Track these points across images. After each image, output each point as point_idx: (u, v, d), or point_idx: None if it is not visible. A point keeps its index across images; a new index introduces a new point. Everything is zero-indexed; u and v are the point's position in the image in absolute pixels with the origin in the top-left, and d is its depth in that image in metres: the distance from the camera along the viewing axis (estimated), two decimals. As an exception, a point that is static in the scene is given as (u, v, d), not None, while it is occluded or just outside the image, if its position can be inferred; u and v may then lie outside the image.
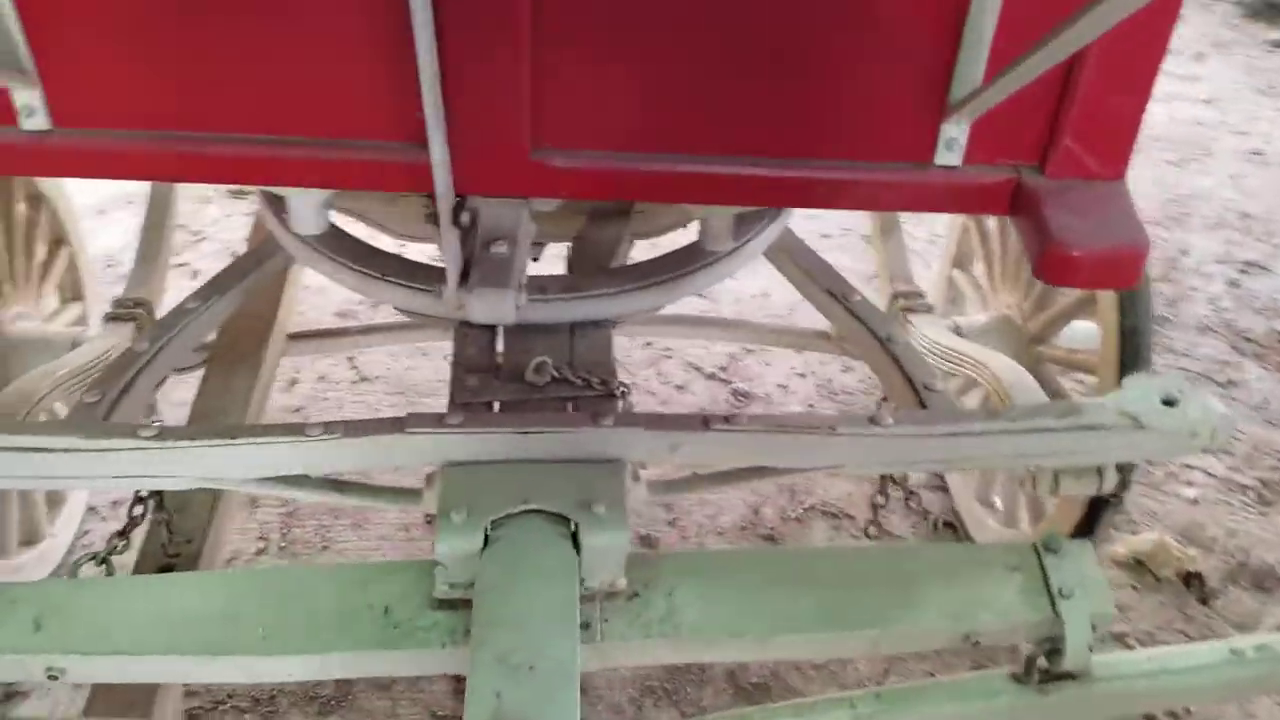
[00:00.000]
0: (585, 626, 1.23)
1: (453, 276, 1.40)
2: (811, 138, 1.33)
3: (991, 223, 2.16)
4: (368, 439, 1.26)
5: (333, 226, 1.58)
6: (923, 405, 1.44)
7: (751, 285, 3.03)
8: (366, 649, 1.22)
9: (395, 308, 1.58)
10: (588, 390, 1.40)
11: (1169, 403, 1.33)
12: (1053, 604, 1.27)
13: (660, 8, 1.25)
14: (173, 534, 1.51)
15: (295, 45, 1.28)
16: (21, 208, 2.04)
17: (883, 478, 1.54)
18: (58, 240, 2.18)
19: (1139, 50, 1.24)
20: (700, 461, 1.36)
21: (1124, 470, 1.67)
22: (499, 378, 1.42)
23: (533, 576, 1.18)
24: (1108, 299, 1.77)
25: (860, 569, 1.30)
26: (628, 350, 2.74)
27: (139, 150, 1.35)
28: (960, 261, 2.32)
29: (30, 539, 2.08)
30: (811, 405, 2.68)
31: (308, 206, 1.53)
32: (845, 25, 1.26)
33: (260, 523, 2.31)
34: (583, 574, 1.23)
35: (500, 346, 1.47)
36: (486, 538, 1.22)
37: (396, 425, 1.27)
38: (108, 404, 1.36)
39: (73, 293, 2.28)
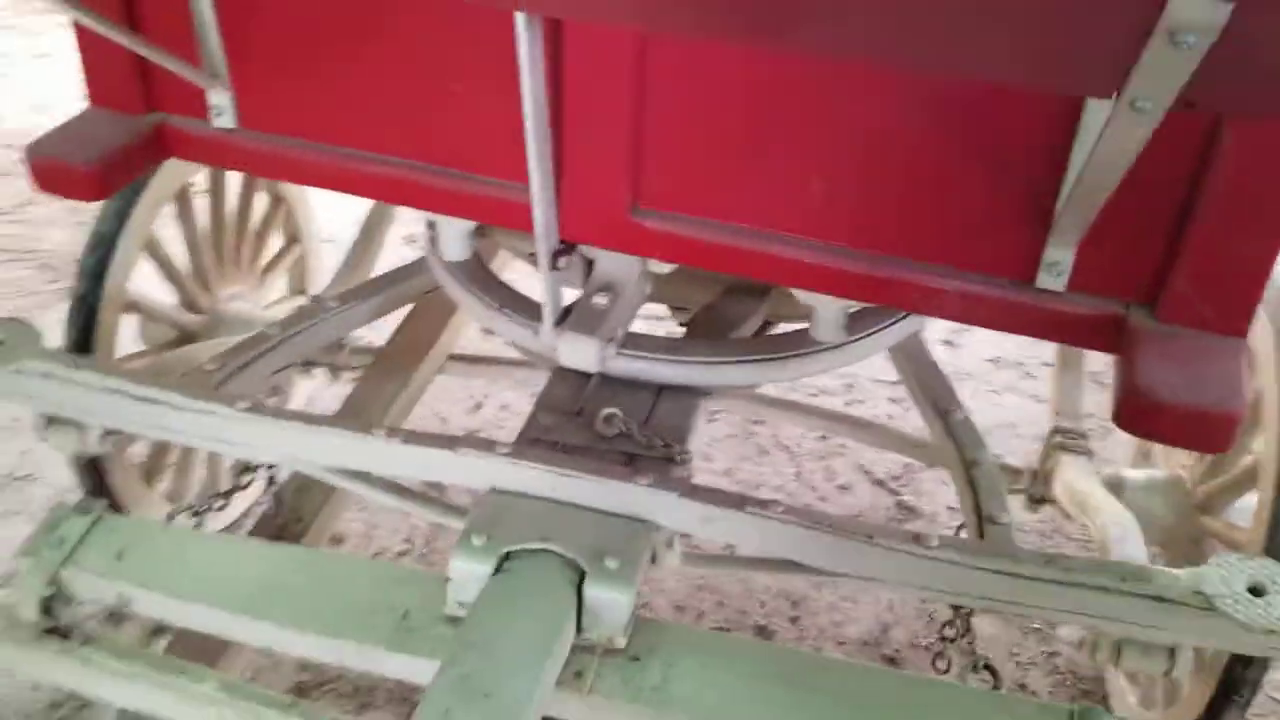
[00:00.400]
0: (578, 675, 1.24)
1: (548, 317, 1.46)
2: (912, 238, 1.30)
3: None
4: (422, 449, 1.34)
5: (475, 256, 1.69)
6: (981, 536, 1.35)
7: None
8: (376, 646, 1.28)
9: (503, 340, 1.66)
10: (649, 450, 1.41)
11: (1255, 591, 1.18)
12: (1065, 780, 1.15)
13: (765, 91, 1.27)
14: (282, 507, 1.64)
15: (444, 84, 1.39)
16: (264, 203, 2.30)
17: (954, 610, 1.45)
18: (292, 238, 2.43)
19: (1269, 196, 1.13)
20: (730, 540, 1.34)
21: (1251, 669, 1.50)
22: (572, 423, 1.46)
23: (524, 611, 1.20)
24: (1270, 474, 1.59)
25: (869, 689, 1.23)
26: (798, 440, 2.70)
27: (305, 158, 1.51)
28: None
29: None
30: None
31: (453, 232, 1.65)
32: (958, 131, 1.23)
33: (411, 527, 2.45)
34: (584, 624, 1.24)
35: (587, 394, 1.51)
36: (500, 566, 1.25)
37: (450, 442, 1.34)
38: (222, 375, 1.52)
39: (299, 288, 2.52)
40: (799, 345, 1.54)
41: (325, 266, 2.46)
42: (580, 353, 1.45)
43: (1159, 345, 1.20)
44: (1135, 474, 1.90)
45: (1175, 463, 1.93)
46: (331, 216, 2.57)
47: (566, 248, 1.43)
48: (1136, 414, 1.15)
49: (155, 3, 1.46)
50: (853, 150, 1.27)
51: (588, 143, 1.34)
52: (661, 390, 1.52)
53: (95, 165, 1.46)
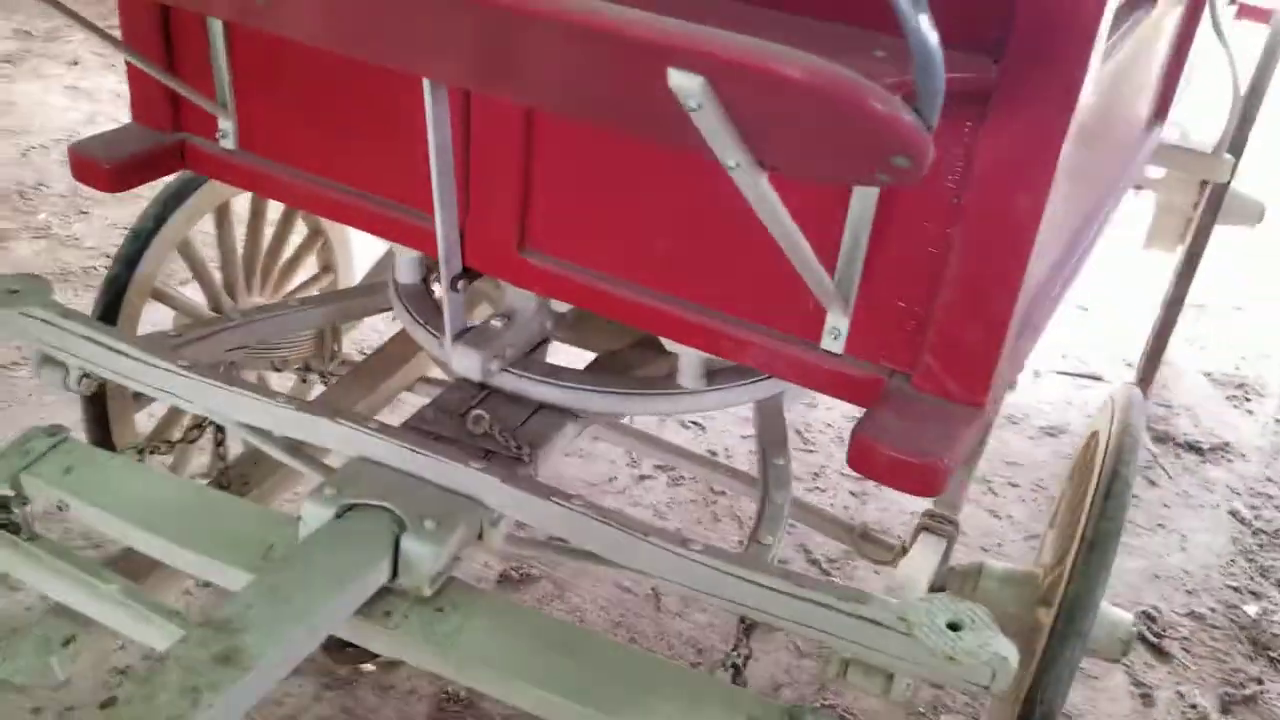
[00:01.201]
0: (387, 614, 1.49)
1: (449, 331, 1.74)
2: (730, 294, 1.54)
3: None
4: (306, 414, 1.62)
5: (423, 282, 1.99)
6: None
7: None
8: (238, 569, 1.55)
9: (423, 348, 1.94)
10: (505, 450, 1.67)
11: (954, 626, 1.35)
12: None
13: (615, 156, 1.54)
14: (226, 465, 1.95)
15: (383, 126, 1.71)
16: (300, 231, 2.66)
17: (740, 622, 1.62)
18: (326, 268, 2.79)
19: (994, 282, 1.34)
20: (542, 526, 1.58)
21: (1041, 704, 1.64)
22: (451, 420, 1.72)
23: (343, 547, 1.46)
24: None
25: (626, 664, 1.44)
26: (753, 512, 2.89)
27: (281, 179, 1.85)
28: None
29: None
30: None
31: (405, 257, 1.95)
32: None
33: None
34: (399, 572, 1.49)
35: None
36: (340, 514, 1.52)
37: (332, 412, 1.62)
38: (181, 341, 1.84)
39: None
40: (661, 386, 1.78)
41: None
42: (468, 364, 1.73)
43: (899, 404, 1.41)
44: (994, 565, 2.05)
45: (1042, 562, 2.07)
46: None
47: (467, 274, 1.71)
48: (858, 454, 1.36)
49: (185, 47, 1.83)
50: (680, 211, 1.52)
51: (487, 186, 1.63)
52: (540, 407, 1.78)
53: (115, 164, 1.83)
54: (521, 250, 1.66)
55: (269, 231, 2.51)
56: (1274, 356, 3.67)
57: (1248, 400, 3.43)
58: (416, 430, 1.69)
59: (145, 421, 2.41)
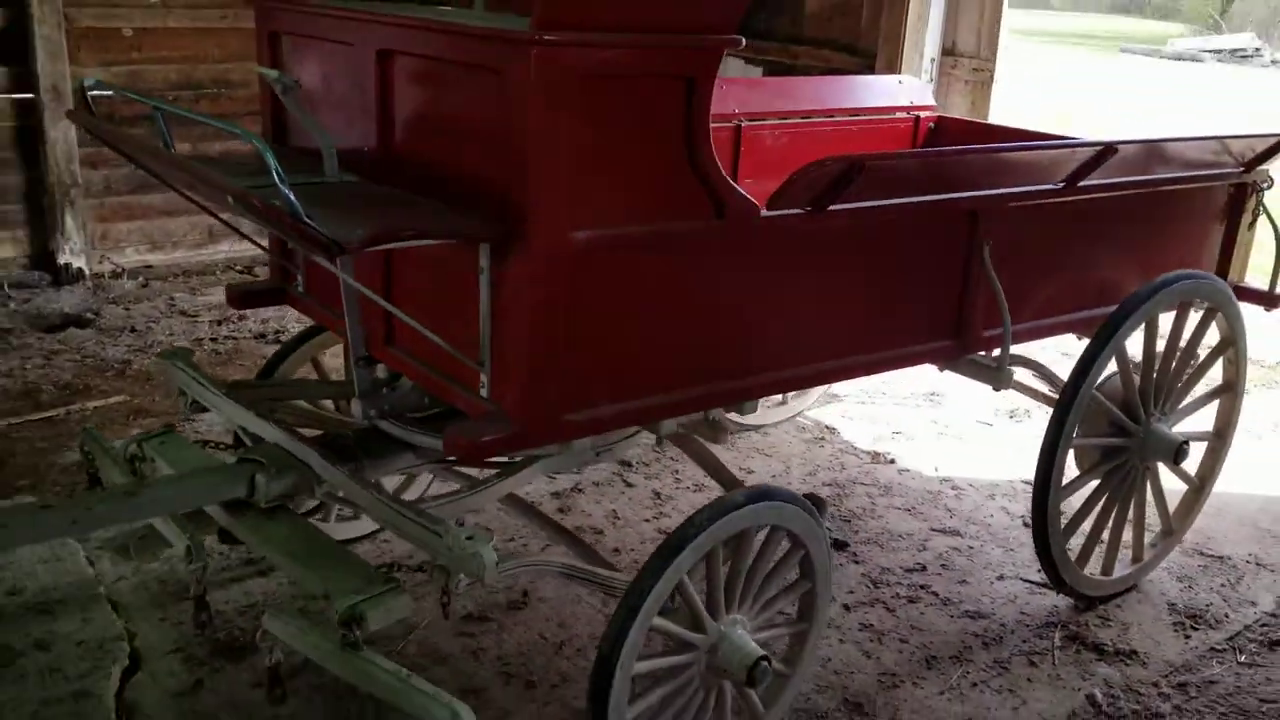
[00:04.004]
0: (241, 511, 2.71)
1: (361, 396, 2.98)
2: (453, 365, 2.67)
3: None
4: (259, 420, 2.92)
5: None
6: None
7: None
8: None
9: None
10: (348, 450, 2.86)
11: (471, 539, 2.32)
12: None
13: (416, 284, 2.76)
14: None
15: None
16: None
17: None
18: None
19: (510, 350, 2.38)
20: (325, 479, 2.72)
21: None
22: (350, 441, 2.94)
23: (219, 468, 2.72)
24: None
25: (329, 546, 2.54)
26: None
27: (321, 313, 3.25)
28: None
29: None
30: None
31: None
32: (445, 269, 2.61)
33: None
34: (255, 493, 2.71)
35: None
36: (238, 461, 2.78)
37: (287, 430, 2.91)
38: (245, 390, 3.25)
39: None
40: (434, 429, 2.87)
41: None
42: (358, 410, 2.96)
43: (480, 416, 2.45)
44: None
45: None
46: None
47: (368, 358, 2.97)
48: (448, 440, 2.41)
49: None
50: (441, 317, 2.69)
51: (370, 303, 2.91)
52: (411, 446, 2.94)
53: (238, 294, 3.34)
54: (388, 344, 2.90)
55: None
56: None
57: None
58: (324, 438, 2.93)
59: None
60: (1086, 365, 3.29)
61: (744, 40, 2.51)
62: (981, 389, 3.58)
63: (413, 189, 2.66)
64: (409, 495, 3.69)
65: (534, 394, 2.42)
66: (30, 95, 6.39)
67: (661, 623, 2.55)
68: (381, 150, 2.79)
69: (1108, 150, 3.16)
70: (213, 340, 5.79)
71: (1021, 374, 3.62)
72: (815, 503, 2.95)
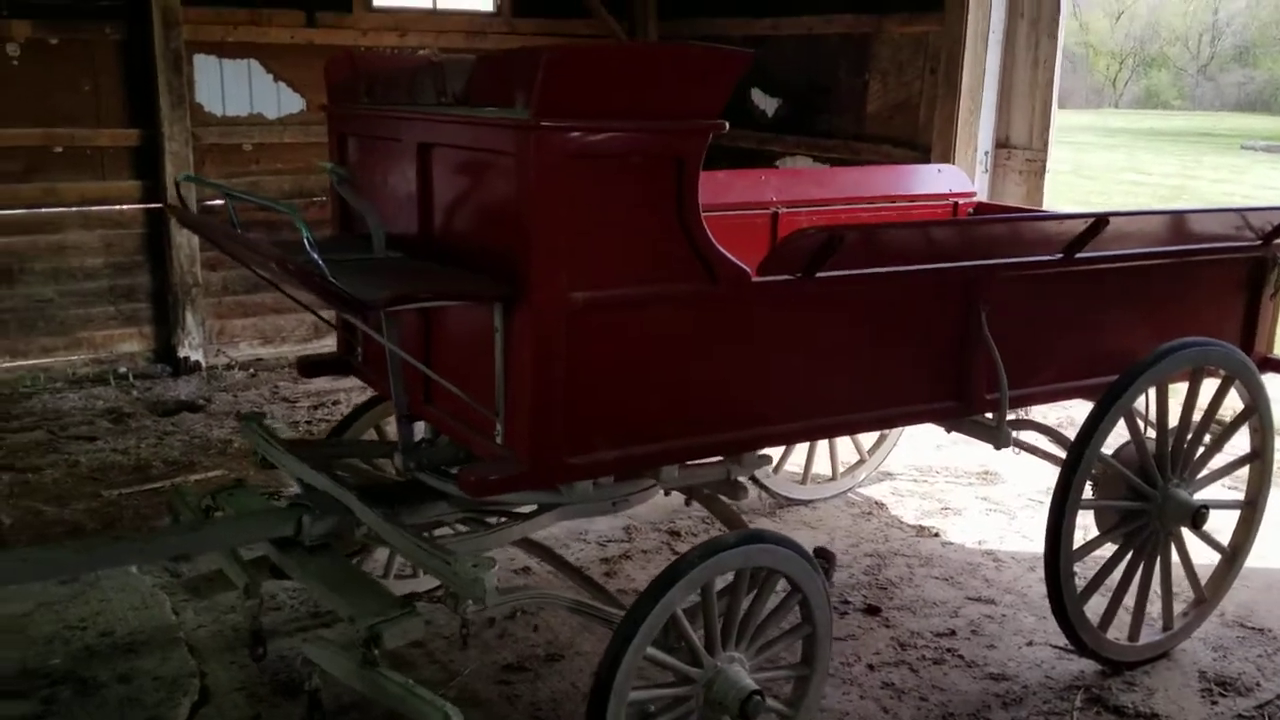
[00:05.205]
0: (288, 548, 3.03)
1: (402, 450, 3.30)
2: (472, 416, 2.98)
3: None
4: (313, 471, 3.27)
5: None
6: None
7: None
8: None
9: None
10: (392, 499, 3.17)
11: (478, 565, 2.59)
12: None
13: (442, 348, 3.10)
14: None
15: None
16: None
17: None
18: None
19: (520, 406, 2.67)
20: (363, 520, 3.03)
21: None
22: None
23: (270, 510, 3.05)
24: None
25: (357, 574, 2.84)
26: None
27: (374, 379, 3.62)
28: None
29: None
30: None
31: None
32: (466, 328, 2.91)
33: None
34: (301, 531, 3.04)
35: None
36: (289, 505, 3.12)
37: (346, 486, 3.25)
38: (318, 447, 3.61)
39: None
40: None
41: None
42: (399, 462, 3.28)
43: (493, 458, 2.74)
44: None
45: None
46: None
47: (411, 415, 3.30)
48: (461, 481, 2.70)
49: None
50: (460, 376, 3.01)
51: (412, 370, 3.25)
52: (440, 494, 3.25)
53: (306, 364, 3.73)
54: (425, 402, 3.23)
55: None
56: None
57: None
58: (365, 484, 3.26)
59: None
60: (1090, 429, 3.42)
61: (727, 125, 2.81)
62: (1038, 466, 3.72)
63: (448, 263, 3.01)
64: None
65: (538, 437, 2.71)
66: (159, 205, 7.10)
67: (656, 654, 2.76)
68: (423, 230, 3.16)
69: (1100, 222, 3.34)
70: (308, 423, 6.26)
71: (1037, 438, 3.75)
72: (823, 555, 3.15)
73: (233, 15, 7.17)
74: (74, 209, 6.97)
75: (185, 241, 7.14)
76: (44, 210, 6.88)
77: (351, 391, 6.63)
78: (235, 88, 7.31)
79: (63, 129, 6.83)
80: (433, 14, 7.99)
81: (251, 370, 7.34)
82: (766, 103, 7.54)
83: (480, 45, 7.92)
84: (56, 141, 6.83)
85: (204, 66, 7.17)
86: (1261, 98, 54.52)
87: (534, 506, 3.17)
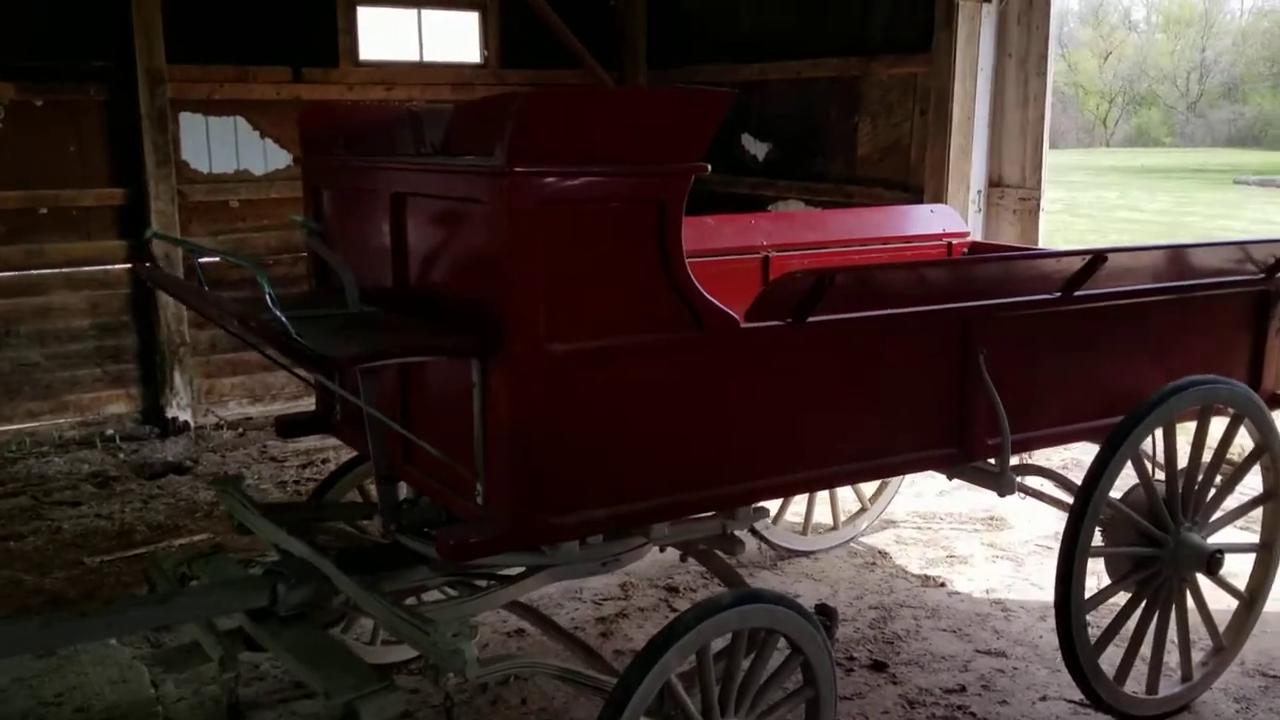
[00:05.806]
0: (262, 619, 2.89)
1: (383, 513, 3.18)
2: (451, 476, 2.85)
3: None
4: (294, 539, 3.14)
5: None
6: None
7: None
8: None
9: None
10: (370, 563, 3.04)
11: (459, 635, 2.45)
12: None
13: (424, 409, 2.98)
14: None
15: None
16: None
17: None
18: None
19: (498, 470, 2.55)
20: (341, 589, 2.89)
21: None
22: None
23: (245, 579, 2.92)
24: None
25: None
26: None
27: (351, 435, 3.49)
28: None
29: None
30: None
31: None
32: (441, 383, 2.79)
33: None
34: (275, 601, 2.90)
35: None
36: (264, 572, 2.98)
37: (326, 557, 3.12)
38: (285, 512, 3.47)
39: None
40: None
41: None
42: (379, 525, 3.15)
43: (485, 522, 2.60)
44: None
45: None
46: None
47: (391, 475, 3.17)
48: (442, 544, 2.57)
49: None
50: (440, 438, 2.89)
51: (391, 433, 3.13)
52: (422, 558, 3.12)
53: (284, 424, 3.61)
54: (405, 461, 3.11)
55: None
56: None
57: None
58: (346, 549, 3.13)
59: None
60: (1097, 473, 3.29)
61: (709, 167, 2.71)
62: (1045, 510, 3.59)
63: (422, 315, 2.90)
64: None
65: (519, 495, 2.58)
66: (145, 264, 7.00)
67: (650, 722, 2.62)
68: (399, 283, 3.06)
69: (1098, 259, 3.24)
70: (296, 483, 6.12)
71: (1042, 483, 3.62)
72: (825, 613, 3.00)
73: (219, 72, 7.13)
74: (59, 270, 6.88)
75: (172, 301, 7.03)
76: (29, 272, 6.79)
77: (340, 450, 6.48)
78: (221, 145, 7.25)
79: (47, 190, 6.75)
80: (420, 67, 7.96)
81: (240, 429, 7.21)
82: (757, 147, 7.48)
83: (468, 97, 7.87)
84: (41, 203, 6.76)
85: (190, 124, 7.12)
86: (1252, 133, 54.87)
87: (522, 568, 3.03)
